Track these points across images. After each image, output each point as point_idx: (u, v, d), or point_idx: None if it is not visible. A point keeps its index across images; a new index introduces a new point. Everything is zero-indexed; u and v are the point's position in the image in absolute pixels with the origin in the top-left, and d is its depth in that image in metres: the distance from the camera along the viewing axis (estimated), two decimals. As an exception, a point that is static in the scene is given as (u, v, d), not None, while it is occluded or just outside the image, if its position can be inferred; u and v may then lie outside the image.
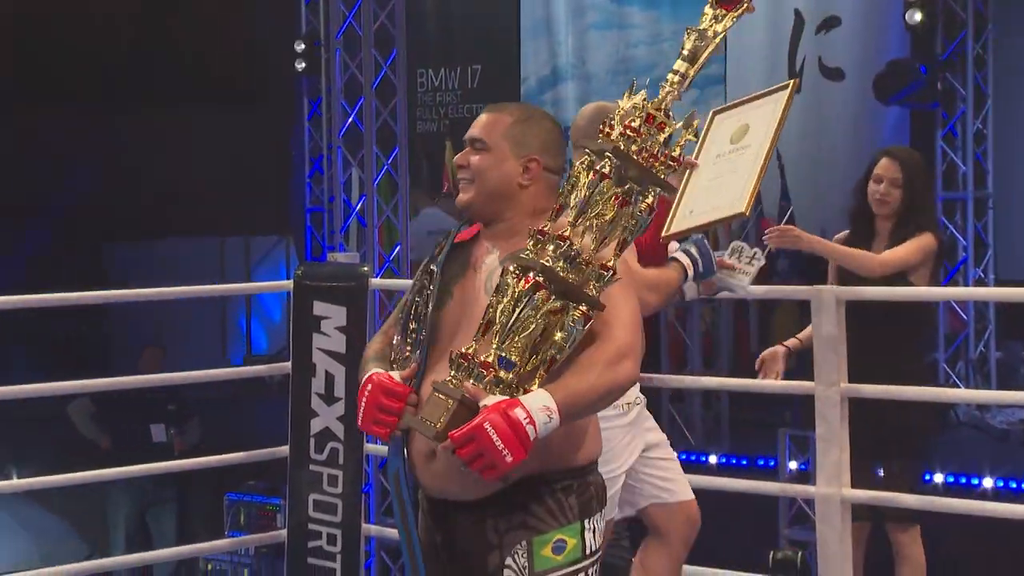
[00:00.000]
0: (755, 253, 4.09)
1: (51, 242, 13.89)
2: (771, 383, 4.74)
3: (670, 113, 2.80)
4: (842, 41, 10.54)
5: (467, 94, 12.41)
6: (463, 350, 2.76)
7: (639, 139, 2.78)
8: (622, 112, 2.80)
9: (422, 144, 11.87)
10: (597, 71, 11.66)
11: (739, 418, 9.12)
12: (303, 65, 11.67)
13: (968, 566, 6.50)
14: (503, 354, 2.72)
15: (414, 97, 11.94)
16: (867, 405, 4.33)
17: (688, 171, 4.13)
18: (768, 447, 7.77)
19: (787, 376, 4.71)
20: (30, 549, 7.33)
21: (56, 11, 14.14)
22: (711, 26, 2.88)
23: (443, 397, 2.74)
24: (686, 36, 2.88)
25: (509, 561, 2.83)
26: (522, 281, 2.73)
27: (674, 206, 4.07)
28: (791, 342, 4.74)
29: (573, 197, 2.77)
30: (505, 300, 2.73)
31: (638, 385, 4.06)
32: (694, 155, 4.20)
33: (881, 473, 4.76)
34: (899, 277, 4.72)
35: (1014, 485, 7.40)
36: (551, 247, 2.75)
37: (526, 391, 2.72)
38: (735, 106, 4.30)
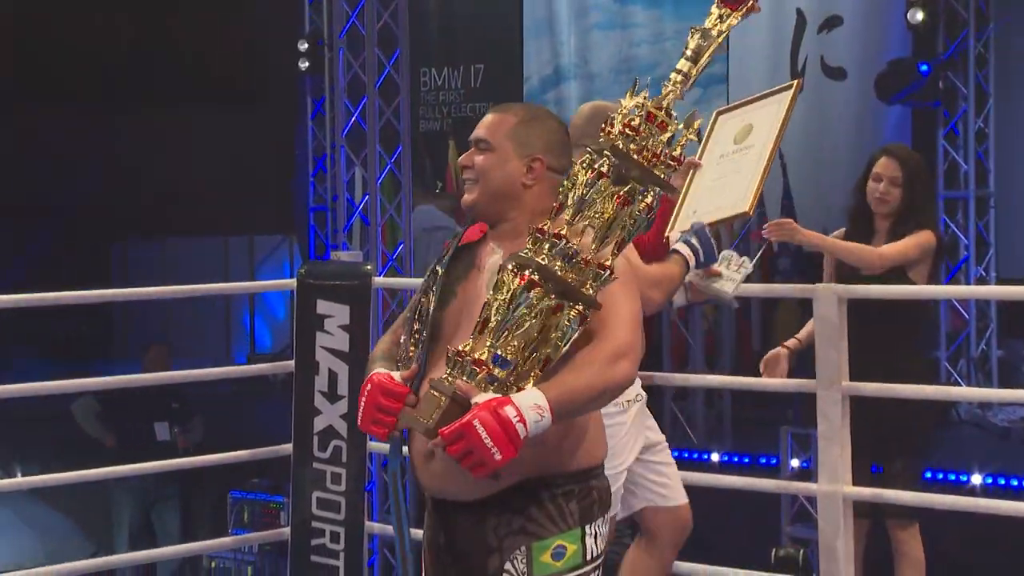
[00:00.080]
0: (743, 262, 4.09)
1: (51, 242, 13.92)
2: (773, 381, 4.75)
3: (672, 112, 2.79)
4: (844, 40, 10.55)
5: (470, 93, 12.43)
6: (460, 347, 2.75)
7: (638, 138, 2.76)
8: (624, 111, 2.79)
9: (425, 143, 11.88)
10: (600, 70, 11.67)
11: (741, 416, 9.14)
12: (307, 64, 11.71)
13: (967, 563, 6.52)
14: (499, 352, 2.71)
15: (417, 96, 11.95)
16: (866, 403, 4.34)
17: (692, 171, 4.14)
18: (770, 445, 7.78)
19: (788, 375, 4.73)
20: (35, 547, 7.35)
21: (56, 11, 14.17)
22: (716, 25, 2.87)
23: (437, 394, 2.73)
24: (690, 36, 2.86)
25: (508, 566, 2.82)
26: (518, 279, 2.72)
27: (678, 206, 4.08)
28: (791, 342, 4.76)
29: (571, 196, 2.76)
30: (501, 298, 2.72)
31: (639, 382, 4.07)
32: (698, 155, 4.21)
33: (878, 471, 4.76)
34: (898, 275, 4.73)
35: (1015, 483, 7.41)
36: (547, 245, 2.74)
37: (520, 390, 2.70)
38: (739, 106, 4.31)
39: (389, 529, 5.68)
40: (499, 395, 2.68)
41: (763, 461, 8.09)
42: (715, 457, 8.40)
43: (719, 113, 4.34)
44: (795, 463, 7.43)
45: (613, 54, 11.60)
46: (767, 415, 8.53)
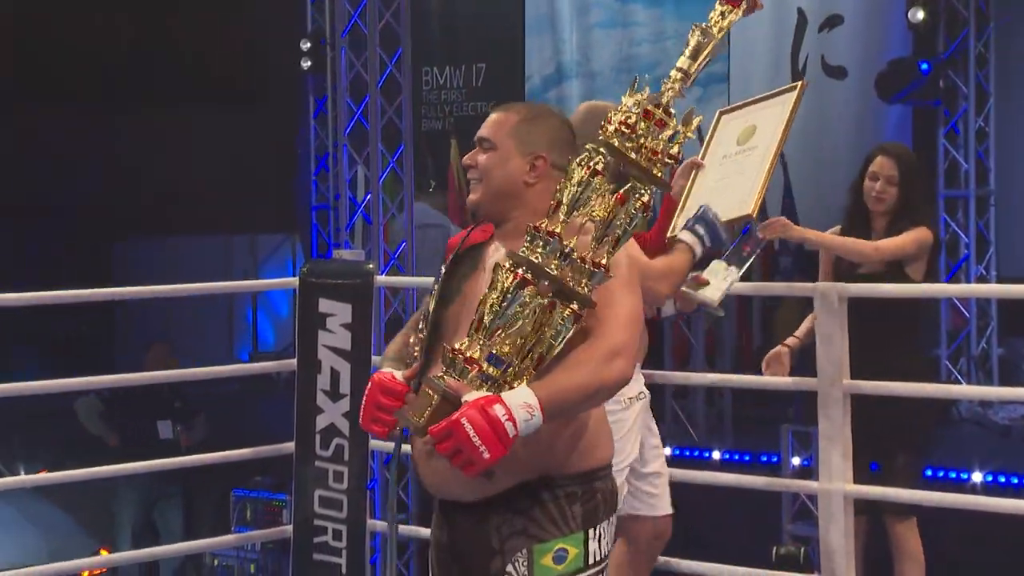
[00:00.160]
0: (730, 271, 4.10)
1: (52, 242, 13.92)
2: (774, 379, 4.77)
3: (671, 110, 2.77)
4: (844, 39, 10.55)
5: (472, 92, 12.43)
6: (455, 346, 2.74)
7: (634, 135, 2.75)
8: (622, 109, 2.78)
9: (427, 142, 11.88)
10: (601, 69, 11.68)
11: (742, 414, 9.14)
12: (309, 64, 11.71)
13: (967, 562, 6.53)
14: (493, 351, 2.69)
15: (419, 95, 11.96)
16: (865, 401, 4.35)
17: (694, 172, 4.14)
18: (771, 443, 7.79)
19: (790, 372, 4.75)
20: (39, 545, 7.36)
21: (56, 11, 14.16)
22: (717, 22, 2.85)
23: (430, 392, 2.73)
24: (691, 33, 2.85)
25: (510, 568, 2.81)
26: (510, 277, 2.70)
27: (680, 206, 4.08)
28: (791, 341, 4.77)
29: (566, 193, 2.75)
30: (494, 296, 2.71)
31: (642, 381, 4.09)
32: (700, 155, 4.21)
33: (876, 468, 4.77)
34: (896, 272, 4.74)
35: (1015, 481, 7.42)
36: (541, 243, 2.72)
37: (513, 388, 2.68)
38: (742, 107, 4.31)
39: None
40: (491, 393, 2.66)
41: (764, 459, 8.10)
42: (716, 455, 8.40)
43: (722, 113, 4.34)
44: (796, 461, 7.44)
45: (614, 53, 11.61)
46: (768, 413, 8.54)
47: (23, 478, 6.86)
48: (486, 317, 2.71)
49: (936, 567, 4.88)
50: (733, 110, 4.32)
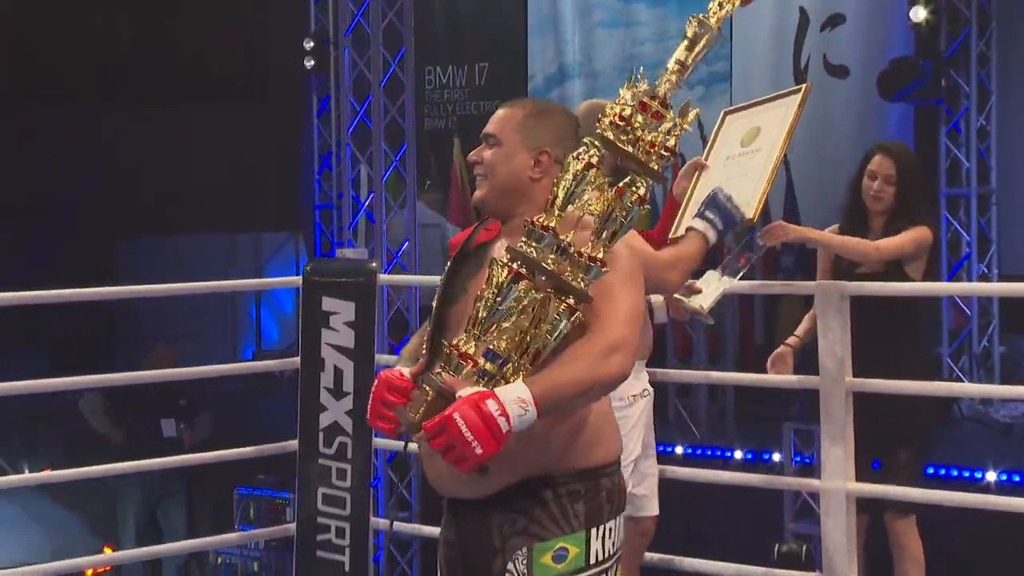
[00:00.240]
0: (723, 281, 4.11)
1: (52, 242, 13.94)
2: (776, 378, 4.78)
3: (668, 103, 2.74)
4: (847, 38, 10.56)
5: (474, 91, 12.46)
6: (453, 342, 2.73)
7: (630, 128, 2.72)
8: (620, 101, 2.75)
9: (430, 141, 11.91)
10: (604, 68, 11.70)
11: (744, 412, 9.15)
12: (312, 63, 11.73)
13: (969, 560, 6.54)
14: (490, 346, 2.67)
15: (422, 94, 11.98)
16: (867, 399, 4.35)
17: (698, 172, 4.14)
18: (773, 441, 7.80)
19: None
20: (42, 542, 7.35)
21: (56, 11, 14.17)
22: (715, 13, 2.82)
23: (426, 388, 2.72)
24: (688, 24, 2.81)
25: (511, 566, 2.79)
26: (505, 271, 2.68)
27: (683, 206, 4.07)
28: (792, 340, 4.77)
29: (561, 187, 2.71)
30: (490, 291, 2.69)
31: (646, 378, 4.10)
32: (704, 155, 4.21)
33: (877, 466, 4.78)
34: (895, 271, 4.74)
35: (1017, 478, 7.43)
36: (537, 238, 2.69)
37: (508, 383, 2.65)
38: (747, 107, 4.29)
39: (395, 524, 5.73)
40: (485, 389, 2.64)
41: (766, 457, 8.11)
42: (718, 453, 8.42)
43: (726, 113, 4.33)
44: (798, 459, 7.45)
45: (617, 52, 11.62)
46: (770, 411, 8.56)
47: (27, 476, 6.86)
48: (481, 312, 2.70)
49: (939, 566, 4.89)
50: (738, 110, 4.31)
